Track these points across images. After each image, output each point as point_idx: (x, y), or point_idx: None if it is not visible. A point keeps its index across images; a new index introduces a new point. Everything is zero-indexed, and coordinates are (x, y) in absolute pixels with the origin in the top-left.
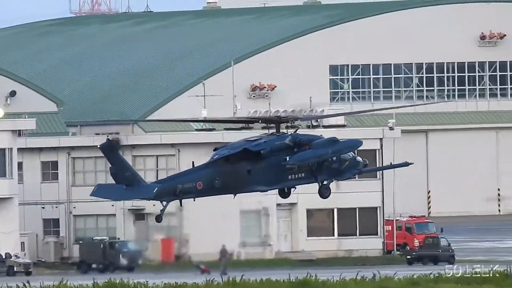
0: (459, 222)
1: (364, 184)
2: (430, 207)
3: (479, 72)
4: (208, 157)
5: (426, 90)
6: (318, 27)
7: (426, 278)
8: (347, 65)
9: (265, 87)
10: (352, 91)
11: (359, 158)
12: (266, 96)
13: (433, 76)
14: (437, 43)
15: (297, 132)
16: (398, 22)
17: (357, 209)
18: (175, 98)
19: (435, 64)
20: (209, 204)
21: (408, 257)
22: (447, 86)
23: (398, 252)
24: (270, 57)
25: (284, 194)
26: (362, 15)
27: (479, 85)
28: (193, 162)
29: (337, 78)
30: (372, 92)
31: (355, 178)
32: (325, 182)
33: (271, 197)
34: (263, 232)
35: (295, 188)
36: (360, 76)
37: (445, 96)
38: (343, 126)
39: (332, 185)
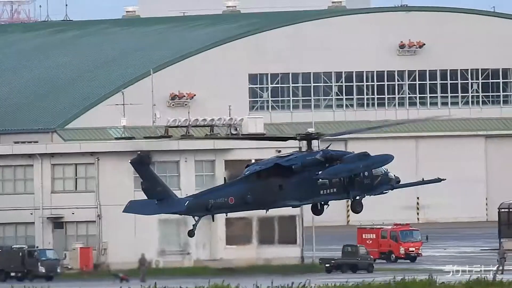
0: None
1: None
2: (349, 215)
3: (398, 81)
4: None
5: (346, 99)
6: (237, 36)
7: (345, 286)
8: (266, 74)
9: (184, 96)
10: (271, 100)
11: (391, 174)
12: (186, 104)
13: (353, 85)
14: (357, 52)
15: (328, 148)
16: (318, 31)
17: (276, 218)
18: (95, 107)
19: (354, 72)
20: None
21: (327, 265)
22: (367, 94)
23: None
24: (189, 66)
25: (317, 210)
26: (281, 24)
27: (398, 93)
28: (225, 178)
29: (256, 87)
30: (291, 101)
31: None
32: (357, 198)
33: None
34: (182, 240)
35: (328, 205)
36: (279, 85)
37: (365, 105)
38: (262, 134)
39: None
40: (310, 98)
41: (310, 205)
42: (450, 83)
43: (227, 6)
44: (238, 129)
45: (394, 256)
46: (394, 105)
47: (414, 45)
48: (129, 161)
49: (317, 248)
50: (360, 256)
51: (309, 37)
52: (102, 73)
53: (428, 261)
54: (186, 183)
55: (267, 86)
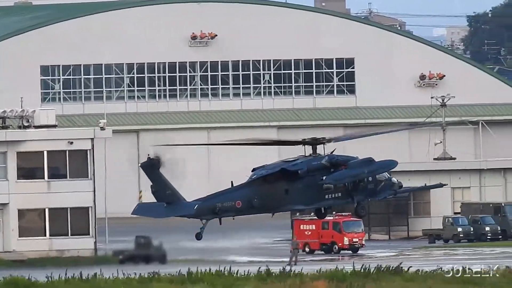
0: (171, 221)
1: (75, 184)
2: None
3: (190, 72)
4: None
5: (137, 90)
6: (29, 27)
7: (141, 278)
8: (58, 66)
9: None
10: (63, 92)
11: (394, 180)
12: None
13: (144, 76)
14: (148, 43)
15: (333, 153)
16: (109, 23)
17: (69, 209)
18: None
19: (146, 64)
20: None
21: (120, 257)
22: (158, 86)
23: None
24: None
25: (321, 214)
26: (72, 16)
27: (190, 85)
28: (232, 181)
29: (48, 79)
30: (83, 92)
31: (66, 178)
32: (361, 203)
33: None
34: None
35: (331, 208)
36: (71, 77)
37: (156, 96)
38: (54, 126)
39: (44, 185)
40: (102, 89)
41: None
42: (242, 74)
43: None
44: (30, 120)
45: (337, 247)
46: (186, 96)
47: (206, 36)
48: (139, 164)
49: (110, 239)
50: (152, 247)
51: (101, 28)
52: None
53: (223, 252)
54: None
55: (59, 77)
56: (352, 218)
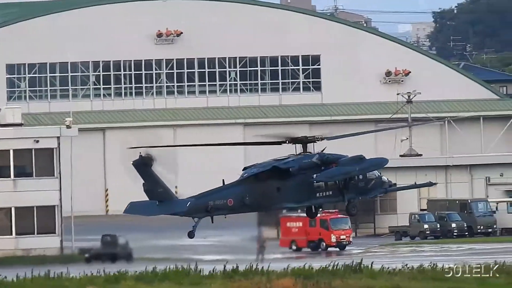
0: (137, 219)
1: (41, 182)
2: (107, 205)
3: (156, 70)
4: None
5: (103, 88)
6: None
7: (107, 276)
8: (24, 64)
9: None
10: (29, 90)
11: (385, 178)
12: None
13: (110, 74)
14: (114, 41)
15: (323, 151)
16: (75, 21)
17: (35, 208)
18: None
19: (112, 62)
20: None
21: (86, 255)
22: (124, 84)
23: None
24: None
25: (312, 213)
26: (38, 14)
27: (156, 82)
28: (223, 179)
29: (14, 77)
30: (49, 90)
31: (32, 177)
32: (352, 201)
33: None
34: None
35: (322, 208)
36: (37, 75)
37: (122, 94)
38: (20, 124)
39: (10, 184)
40: (68, 88)
41: (305, 208)
42: (208, 71)
43: None
44: None
45: (324, 245)
46: (152, 94)
47: (172, 34)
48: (131, 162)
49: (76, 238)
50: (119, 245)
51: (66, 26)
52: None
53: (189, 250)
54: None
55: (25, 76)
56: (339, 215)
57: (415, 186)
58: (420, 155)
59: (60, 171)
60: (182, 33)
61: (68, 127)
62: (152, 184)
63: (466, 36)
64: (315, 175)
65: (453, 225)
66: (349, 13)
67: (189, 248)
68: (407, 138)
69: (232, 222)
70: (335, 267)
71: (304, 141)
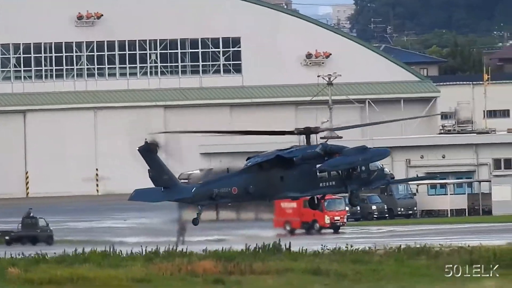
0: (57, 202)
1: None
2: (28, 188)
3: (76, 52)
4: None
5: (24, 71)
6: None
7: (28, 259)
8: None
9: None
10: None
11: (386, 170)
12: None
13: (31, 57)
14: (34, 23)
15: (327, 142)
16: None
17: None
18: None
19: (32, 44)
20: None
21: (7, 238)
22: (45, 66)
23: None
24: None
25: (314, 205)
26: None
27: (76, 65)
28: (227, 168)
29: None
30: None
31: None
32: (354, 191)
33: None
34: None
35: (324, 198)
36: None
37: (43, 76)
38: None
39: None
40: None
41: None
42: (129, 53)
43: None
44: None
45: (318, 226)
46: (73, 76)
47: (92, 16)
48: (137, 148)
49: None
50: (39, 228)
51: None
52: None
53: (108, 233)
54: None
55: None
56: (333, 196)
57: (417, 178)
58: (341, 137)
59: None
60: (102, 15)
61: None
62: (158, 171)
63: (387, 18)
64: (318, 165)
65: (373, 207)
66: None
67: (109, 231)
68: (328, 120)
69: (154, 205)
70: (256, 249)
71: (306, 132)
